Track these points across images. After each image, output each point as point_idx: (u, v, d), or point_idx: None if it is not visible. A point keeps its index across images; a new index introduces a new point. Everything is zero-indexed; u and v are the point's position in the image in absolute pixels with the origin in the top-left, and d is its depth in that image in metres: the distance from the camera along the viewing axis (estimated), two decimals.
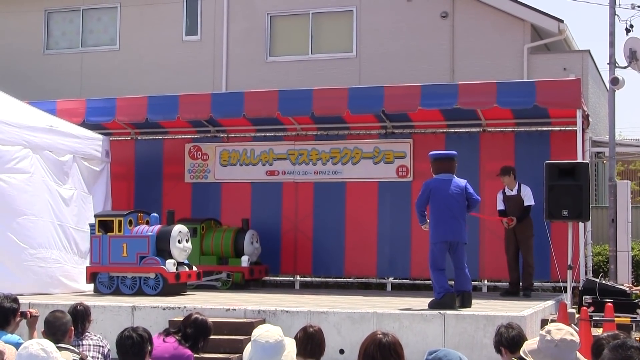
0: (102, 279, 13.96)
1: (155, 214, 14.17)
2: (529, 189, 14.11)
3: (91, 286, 14.09)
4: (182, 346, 7.04)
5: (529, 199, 14.07)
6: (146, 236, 13.82)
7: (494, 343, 6.28)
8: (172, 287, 13.57)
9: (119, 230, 13.95)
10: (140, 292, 13.62)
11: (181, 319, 7.55)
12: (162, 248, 13.74)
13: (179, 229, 13.89)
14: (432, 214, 11.61)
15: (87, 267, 14.10)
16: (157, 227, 13.92)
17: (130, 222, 14.09)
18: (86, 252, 14.41)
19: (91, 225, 14.18)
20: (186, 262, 14.11)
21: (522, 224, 14.09)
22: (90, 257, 14.10)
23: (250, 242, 15.57)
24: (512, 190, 14.27)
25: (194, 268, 14.24)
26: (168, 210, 14.26)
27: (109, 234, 13.94)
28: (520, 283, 14.16)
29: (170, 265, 13.55)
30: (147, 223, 14.11)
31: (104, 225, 14.08)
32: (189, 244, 14.08)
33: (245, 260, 15.37)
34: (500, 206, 14.34)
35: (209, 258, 15.69)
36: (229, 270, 15.55)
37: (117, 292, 13.74)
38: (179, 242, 13.80)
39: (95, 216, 14.28)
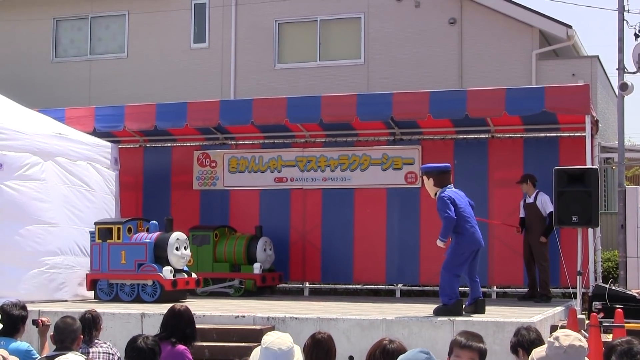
0: (101, 286, 13.99)
1: (154, 222, 14.16)
2: (546, 196, 13.92)
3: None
4: (172, 344, 7.01)
5: (548, 206, 13.93)
6: (144, 243, 13.84)
7: (511, 344, 6.17)
8: (170, 294, 13.56)
9: (118, 238, 13.98)
10: (138, 299, 13.66)
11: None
12: (160, 255, 13.77)
13: (177, 236, 13.90)
14: (458, 224, 11.26)
15: (87, 274, 14.13)
16: (155, 235, 13.93)
17: (129, 230, 14.11)
18: None
19: (91, 233, 14.20)
20: (186, 269, 14.13)
21: (535, 229, 14.09)
22: (90, 264, 14.13)
23: (263, 249, 15.56)
24: (530, 198, 14.26)
25: (194, 275, 14.24)
26: (166, 218, 14.26)
27: (108, 241, 13.96)
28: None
29: (167, 273, 13.57)
30: (147, 230, 14.13)
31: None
32: (188, 252, 14.09)
33: (257, 267, 15.37)
34: (521, 213, 14.40)
35: (221, 265, 15.71)
36: (241, 277, 15.54)
37: (116, 299, 13.78)
38: (177, 249, 13.81)
39: (95, 224, 14.27)
